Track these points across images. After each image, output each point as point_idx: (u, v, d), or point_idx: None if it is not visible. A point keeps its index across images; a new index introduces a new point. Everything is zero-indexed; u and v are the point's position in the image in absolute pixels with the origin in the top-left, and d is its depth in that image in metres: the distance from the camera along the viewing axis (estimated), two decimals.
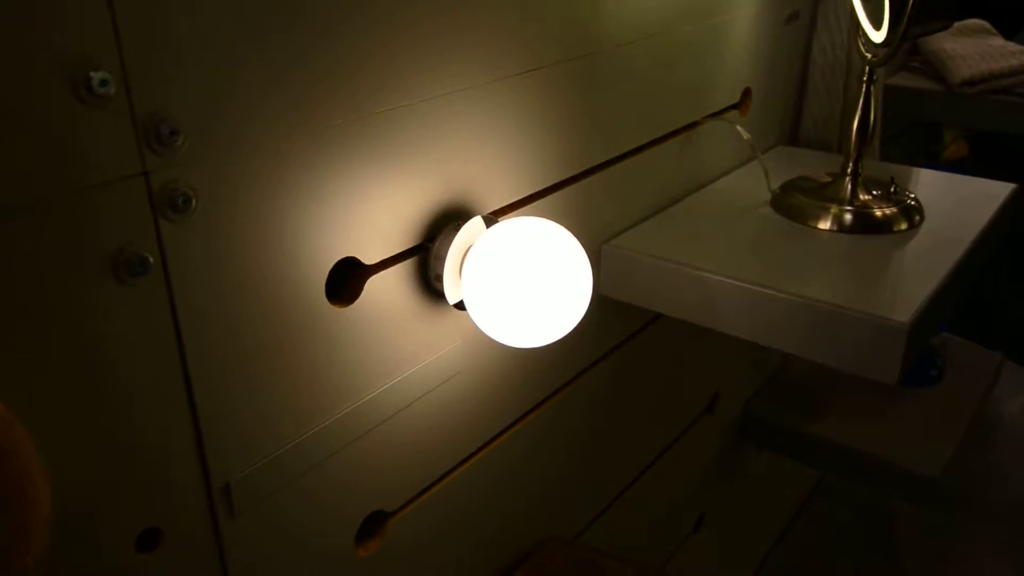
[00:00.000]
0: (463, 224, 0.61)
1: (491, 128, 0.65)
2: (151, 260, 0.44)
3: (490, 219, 0.64)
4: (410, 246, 0.61)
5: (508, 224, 0.60)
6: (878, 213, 0.86)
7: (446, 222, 0.63)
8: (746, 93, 1.01)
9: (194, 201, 0.45)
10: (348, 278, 0.58)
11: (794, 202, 0.89)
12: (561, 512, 0.90)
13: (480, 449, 0.75)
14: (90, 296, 0.43)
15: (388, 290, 0.60)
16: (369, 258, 0.58)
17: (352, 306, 0.58)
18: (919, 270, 0.77)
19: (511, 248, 0.59)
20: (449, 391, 0.69)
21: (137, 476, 0.48)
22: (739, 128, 0.92)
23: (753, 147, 0.92)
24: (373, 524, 0.67)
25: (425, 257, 0.62)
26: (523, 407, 0.79)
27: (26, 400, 0.41)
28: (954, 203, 0.91)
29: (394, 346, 0.62)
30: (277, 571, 0.58)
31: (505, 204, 0.69)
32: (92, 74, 0.39)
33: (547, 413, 0.82)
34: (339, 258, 0.56)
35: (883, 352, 0.69)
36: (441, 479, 0.71)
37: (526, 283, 0.59)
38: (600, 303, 0.84)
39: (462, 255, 0.61)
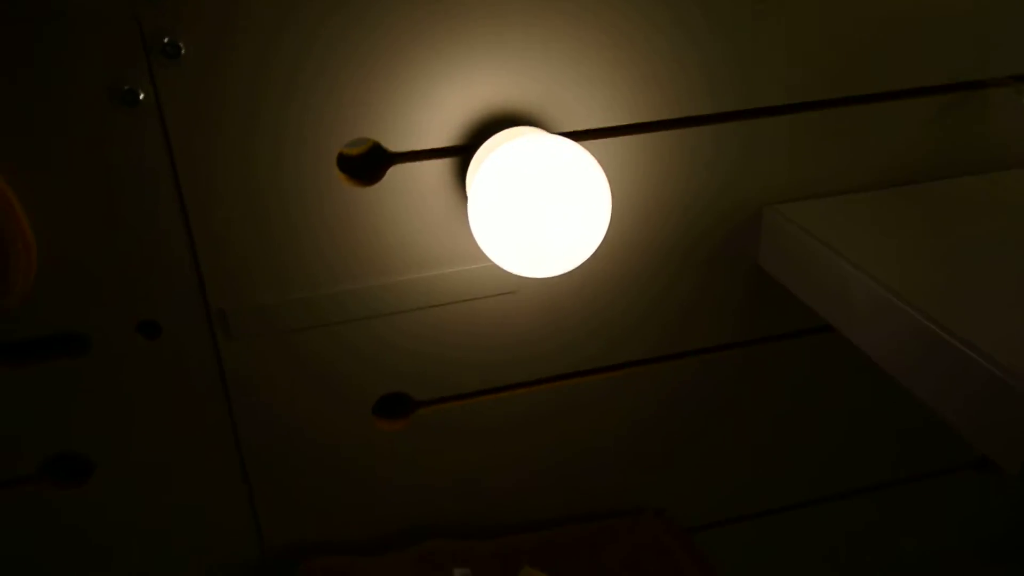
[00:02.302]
0: (495, 134, 0.58)
1: (596, 30, 0.58)
2: (142, 95, 0.52)
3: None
4: (452, 145, 0.60)
5: (528, 140, 0.55)
6: None
7: (502, 128, 0.60)
8: None
9: (183, 49, 0.52)
10: (370, 159, 0.60)
11: None
12: (660, 491, 0.81)
13: (542, 381, 0.71)
14: (88, 114, 0.52)
15: (416, 183, 0.60)
16: (392, 144, 0.59)
17: (371, 188, 0.60)
18: None
19: (517, 166, 0.54)
20: (500, 307, 0.67)
21: (140, 278, 0.58)
22: None
23: None
24: (400, 406, 0.70)
25: (467, 161, 0.60)
26: (615, 357, 0.72)
27: (35, 191, 0.53)
28: None
29: (420, 240, 0.62)
30: (285, 406, 0.65)
31: (603, 126, 0.62)
32: None
33: (653, 374, 0.74)
34: (353, 137, 0.58)
35: (1002, 424, 0.48)
36: (486, 393, 0.70)
37: (523, 206, 0.54)
38: (760, 277, 0.71)
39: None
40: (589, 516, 0.79)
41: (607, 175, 0.56)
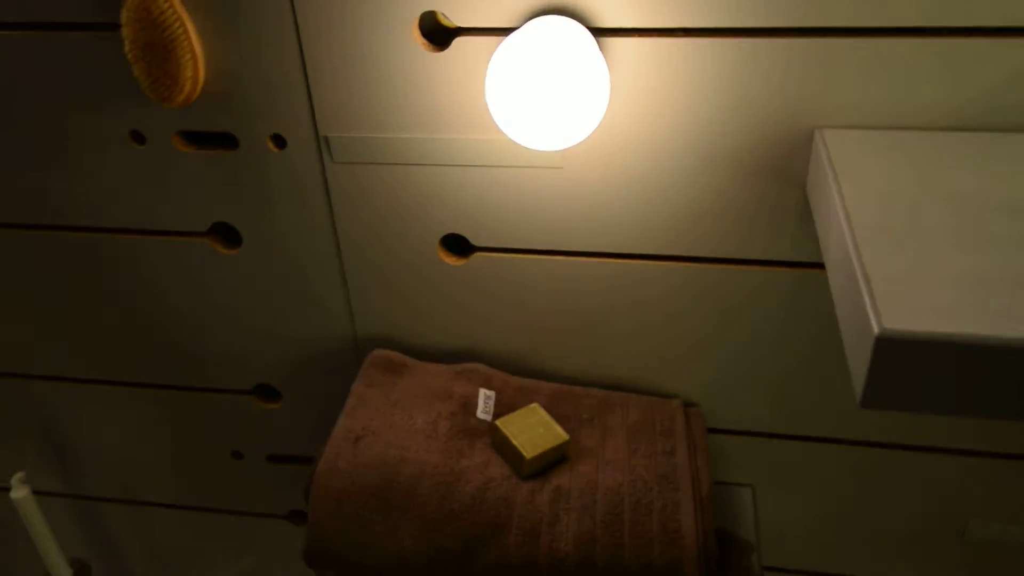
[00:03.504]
0: (534, 19, 0.67)
1: None
2: None
3: (592, 31, 0.66)
4: (508, 26, 0.70)
5: (537, 25, 0.63)
6: None
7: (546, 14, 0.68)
8: None
9: None
10: (440, 30, 0.72)
11: None
12: (695, 388, 0.87)
13: (587, 255, 0.81)
14: None
15: (473, 55, 0.71)
16: (456, 18, 0.70)
17: (439, 54, 0.72)
18: None
19: (524, 48, 0.63)
20: (547, 180, 0.77)
21: (274, 100, 0.77)
22: None
23: None
24: (462, 247, 0.84)
25: None
26: (655, 248, 0.79)
27: (203, 19, 0.74)
28: None
29: (477, 106, 0.74)
30: (372, 223, 0.83)
31: (664, 26, 0.68)
32: None
33: (691, 273, 0.79)
34: (424, 10, 0.70)
35: (859, 360, 0.50)
36: (532, 252, 0.81)
37: (523, 84, 0.63)
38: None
39: None
40: (622, 389, 0.88)
41: (659, 73, 0.63)
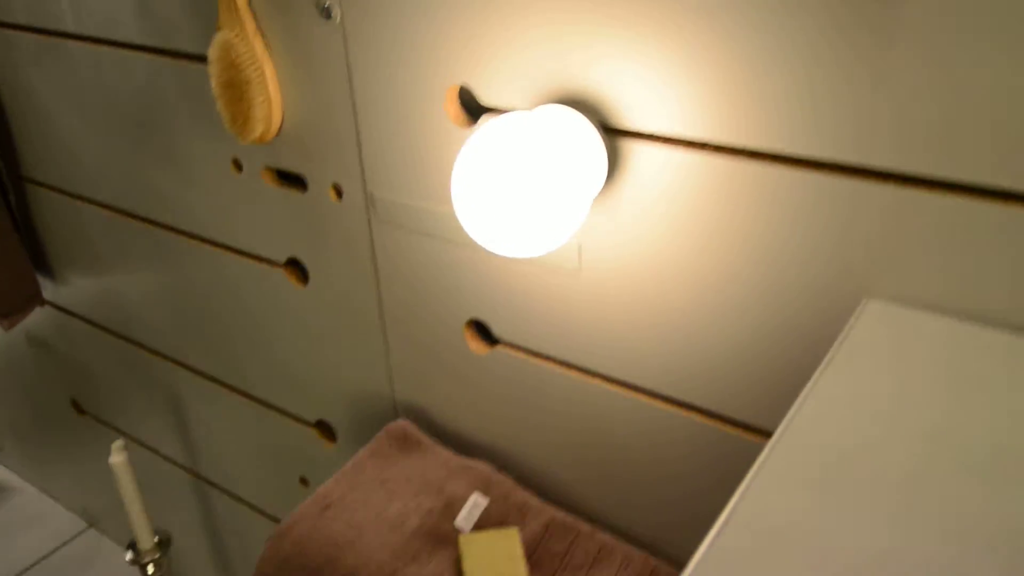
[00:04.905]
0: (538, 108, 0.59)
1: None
2: (336, 13, 0.70)
3: (606, 130, 0.58)
4: (524, 109, 0.63)
5: (520, 118, 0.56)
6: None
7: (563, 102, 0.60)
8: None
9: None
10: (470, 106, 0.67)
11: None
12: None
13: (593, 374, 0.70)
14: (306, 23, 0.72)
15: None
16: (483, 96, 0.65)
17: (468, 129, 0.67)
18: None
19: (497, 140, 0.56)
20: (563, 283, 0.68)
21: (336, 154, 0.78)
22: None
23: None
24: (486, 335, 0.77)
25: None
26: (672, 390, 0.66)
27: (284, 75, 0.76)
28: None
29: None
30: (408, 291, 0.80)
31: (692, 137, 0.57)
32: None
33: (726, 440, 0.65)
34: (455, 83, 0.66)
35: None
36: (545, 358, 0.73)
37: (481, 178, 0.56)
38: None
39: None
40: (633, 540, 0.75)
41: (692, 192, 0.55)
